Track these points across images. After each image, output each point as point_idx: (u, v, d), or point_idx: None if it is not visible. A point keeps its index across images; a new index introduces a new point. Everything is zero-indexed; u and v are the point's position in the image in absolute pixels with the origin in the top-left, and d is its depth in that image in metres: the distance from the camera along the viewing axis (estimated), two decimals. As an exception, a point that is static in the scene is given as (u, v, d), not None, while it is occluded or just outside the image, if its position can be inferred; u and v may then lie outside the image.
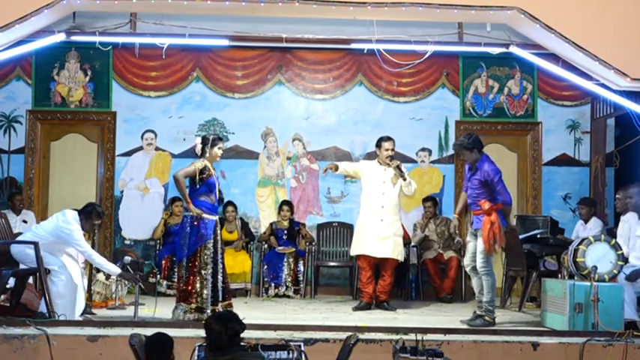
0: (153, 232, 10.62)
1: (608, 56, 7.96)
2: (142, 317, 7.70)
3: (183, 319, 7.42)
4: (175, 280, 9.83)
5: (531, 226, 9.73)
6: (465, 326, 7.69)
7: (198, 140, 7.83)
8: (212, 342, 4.98)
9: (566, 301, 7.29)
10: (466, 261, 8.17)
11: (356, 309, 8.97)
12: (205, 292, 7.54)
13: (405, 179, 8.94)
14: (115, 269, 7.80)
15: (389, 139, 9.13)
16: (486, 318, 7.85)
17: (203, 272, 7.54)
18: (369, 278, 9.06)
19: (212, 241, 7.63)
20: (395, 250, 8.99)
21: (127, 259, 8.28)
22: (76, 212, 7.71)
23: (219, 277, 7.68)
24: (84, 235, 7.81)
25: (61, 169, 11.01)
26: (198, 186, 7.63)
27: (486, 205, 7.72)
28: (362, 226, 9.10)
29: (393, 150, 9.09)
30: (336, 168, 9.21)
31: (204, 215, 7.58)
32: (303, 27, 9.34)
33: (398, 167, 8.94)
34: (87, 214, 7.76)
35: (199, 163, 7.65)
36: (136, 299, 7.70)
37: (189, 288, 7.54)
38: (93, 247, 9.76)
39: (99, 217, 7.93)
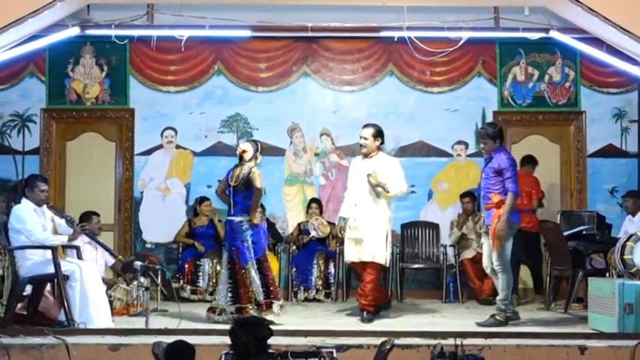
0: (176, 235, 10.61)
1: (656, 39, 7.87)
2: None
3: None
4: (200, 284, 9.94)
5: (576, 222, 9.68)
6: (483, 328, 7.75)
7: (247, 145, 8.34)
8: (240, 350, 4.97)
9: (615, 302, 7.24)
10: (485, 263, 8.33)
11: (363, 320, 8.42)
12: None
13: (377, 195, 8.42)
14: (63, 238, 7.83)
15: (364, 127, 8.69)
16: (497, 317, 8.01)
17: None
18: None
19: None
20: (368, 252, 8.41)
21: (137, 263, 8.29)
22: (21, 199, 7.79)
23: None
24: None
25: (77, 169, 11.04)
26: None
27: (496, 199, 7.98)
28: None
29: (366, 139, 8.55)
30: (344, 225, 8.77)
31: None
32: (329, 15, 9.32)
33: (370, 183, 8.40)
34: (28, 186, 7.77)
35: (257, 170, 8.24)
36: (147, 307, 7.81)
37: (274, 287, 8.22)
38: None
39: (42, 181, 7.93)
